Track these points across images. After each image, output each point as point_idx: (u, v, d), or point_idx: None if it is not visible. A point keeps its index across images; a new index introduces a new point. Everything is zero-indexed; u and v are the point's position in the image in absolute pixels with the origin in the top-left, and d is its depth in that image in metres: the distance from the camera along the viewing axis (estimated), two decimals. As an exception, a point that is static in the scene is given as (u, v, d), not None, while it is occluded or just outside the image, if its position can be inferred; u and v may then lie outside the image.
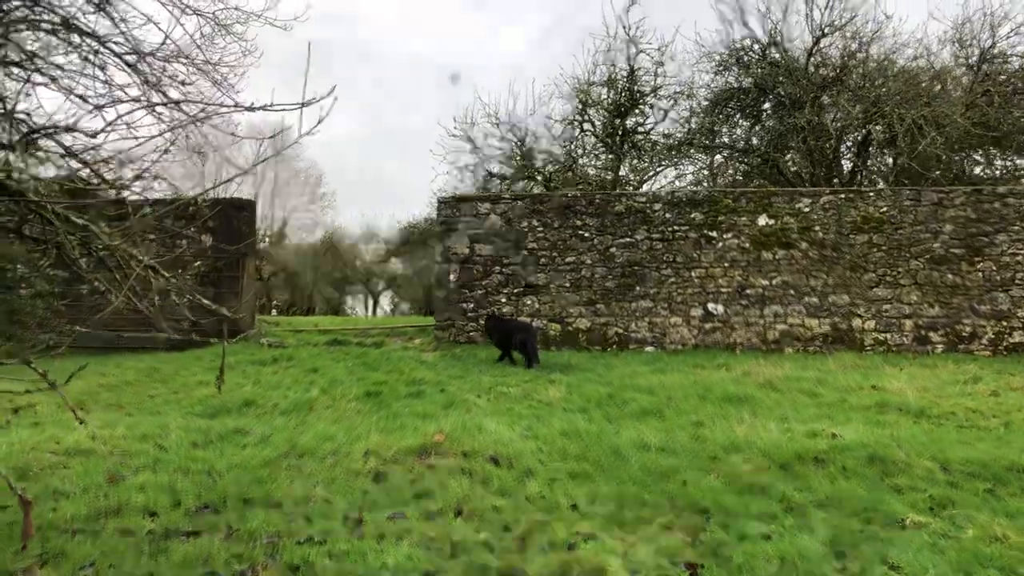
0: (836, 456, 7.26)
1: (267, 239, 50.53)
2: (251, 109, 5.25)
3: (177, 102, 7.74)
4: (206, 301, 4.89)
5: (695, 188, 18.97)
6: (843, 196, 14.81)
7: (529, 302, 15.35)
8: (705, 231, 15.02)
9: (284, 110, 5.53)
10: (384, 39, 75.47)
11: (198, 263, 16.81)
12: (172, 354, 15.08)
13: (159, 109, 7.95)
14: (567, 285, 15.27)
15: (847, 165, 21.30)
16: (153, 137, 5.80)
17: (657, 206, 15.24)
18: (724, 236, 14.96)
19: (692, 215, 15.08)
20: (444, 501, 6.38)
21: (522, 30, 67.20)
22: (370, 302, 44.67)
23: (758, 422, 9.02)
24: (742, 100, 20.11)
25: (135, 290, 5.07)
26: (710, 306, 14.87)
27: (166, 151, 5.51)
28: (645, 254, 15.12)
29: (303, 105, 5.12)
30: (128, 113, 6.96)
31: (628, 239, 15.19)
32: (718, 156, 22.81)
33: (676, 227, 15.09)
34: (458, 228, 15.75)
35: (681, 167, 22.77)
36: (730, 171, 22.37)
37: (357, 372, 12.58)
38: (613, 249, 15.22)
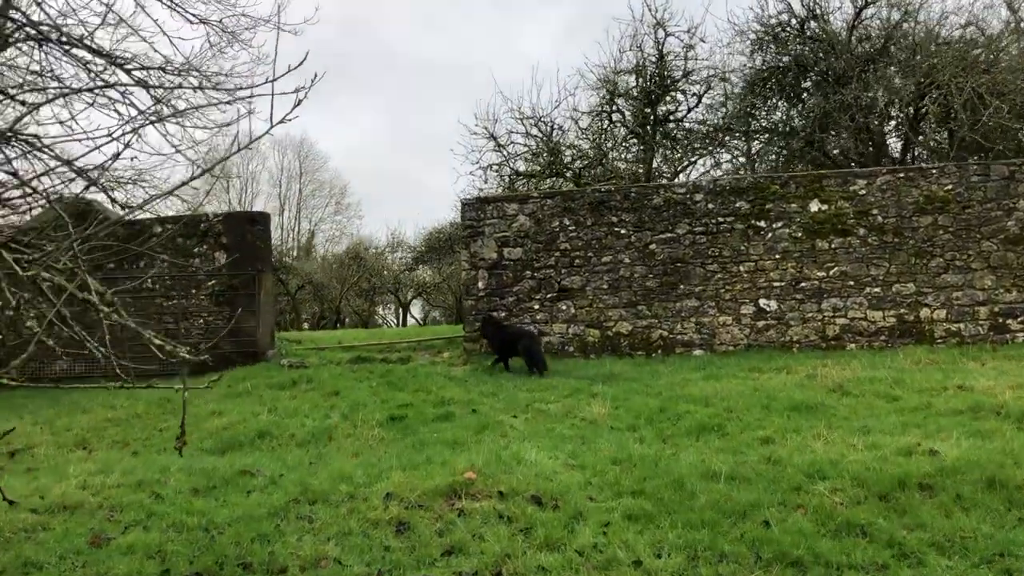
0: (945, 481, 6.07)
1: (294, 252, 50.04)
2: (211, 88, 4.24)
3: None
4: (158, 340, 3.86)
5: (739, 175, 17.73)
6: (902, 175, 13.53)
7: (564, 307, 14.25)
8: (752, 221, 13.81)
9: (250, 89, 4.48)
10: (404, 43, 74.88)
11: (212, 282, 16.00)
12: (187, 380, 14.18)
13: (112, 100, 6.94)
14: (605, 287, 14.15)
15: (894, 145, 19.96)
16: (108, 139, 4.77)
17: (698, 197, 14.05)
18: (773, 226, 13.74)
19: (737, 204, 13.87)
20: (479, 559, 5.31)
21: (545, 27, 66.07)
22: (400, 312, 43.84)
23: (837, 436, 7.86)
24: (781, 80, 18.79)
25: (64, 323, 4.07)
26: (762, 302, 13.66)
27: (117, 156, 4.49)
28: (688, 249, 13.94)
29: (272, 83, 4.11)
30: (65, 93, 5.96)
31: (669, 234, 14.03)
32: (755, 142, 21.58)
33: (720, 218, 13.89)
34: (484, 231, 14.69)
35: (717, 155, 21.54)
36: (771, 156, 21.04)
37: (381, 393, 11.57)
38: (653, 246, 14.07)
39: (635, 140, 20.21)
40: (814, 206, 13.65)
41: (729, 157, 21.90)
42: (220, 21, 21.59)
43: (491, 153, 19.79)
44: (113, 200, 21.45)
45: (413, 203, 67.51)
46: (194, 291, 15.89)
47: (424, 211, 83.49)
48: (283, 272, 40.89)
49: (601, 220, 14.26)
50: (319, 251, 49.72)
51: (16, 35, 21.81)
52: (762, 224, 13.77)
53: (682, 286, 13.91)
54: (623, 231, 14.17)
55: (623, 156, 20.91)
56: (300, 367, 14.31)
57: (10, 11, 21.72)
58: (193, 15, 21.41)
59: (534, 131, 19.52)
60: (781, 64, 18.71)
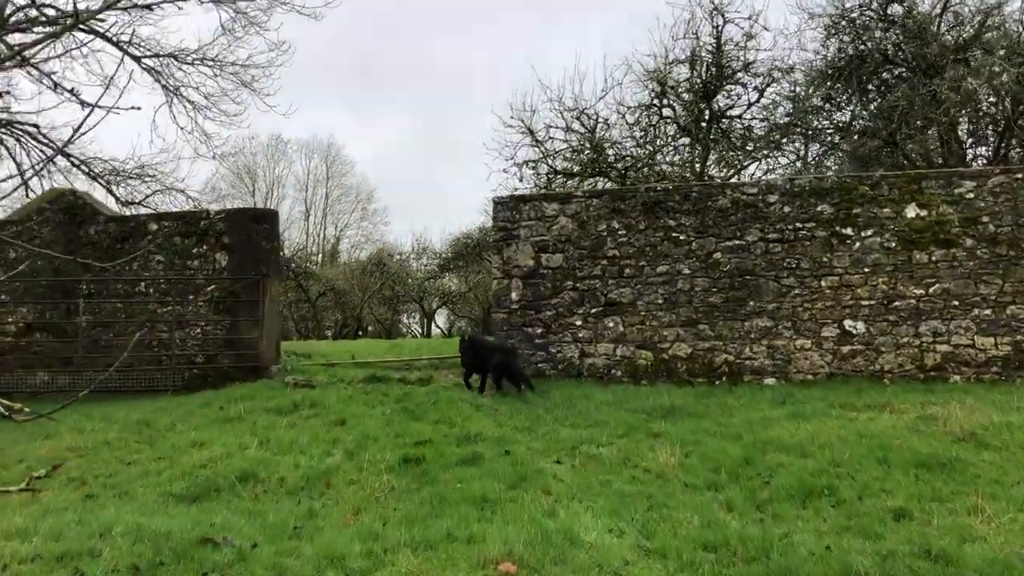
0: None
1: (319, 258, 48.52)
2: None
3: None
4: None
5: (820, 175, 15.63)
6: (1020, 176, 11.40)
7: (611, 324, 12.25)
8: (837, 228, 11.74)
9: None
10: (434, 47, 73.32)
11: (211, 287, 14.20)
12: (178, 398, 12.36)
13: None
14: (659, 301, 12.14)
15: (974, 147, 17.77)
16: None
17: (772, 198, 12.01)
18: (862, 233, 11.66)
19: (819, 208, 11.82)
20: None
21: (587, 33, 63.87)
22: (425, 321, 42.02)
23: (1001, 512, 5.81)
24: (858, 70, 16.62)
25: None
26: (847, 323, 11.57)
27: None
28: (759, 259, 11.90)
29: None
30: None
31: (737, 241, 12.00)
32: (815, 145, 19.50)
33: (799, 224, 11.84)
34: (519, 235, 12.76)
35: (773, 158, 19.39)
36: (833, 160, 18.88)
37: (395, 423, 9.66)
38: (717, 254, 12.05)
39: (686, 139, 18.18)
40: (911, 211, 11.56)
41: (786, 162, 19.77)
42: (234, 2, 19.95)
43: (527, 149, 17.85)
44: (112, 193, 19.78)
45: (440, 211, 65.72)
46: (192, 296, 14.09)
47: (452, 218, 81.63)
48: (304, 278, 39.38)
49: (656, 223, 12.27)
50: (344, 257, 48.21)
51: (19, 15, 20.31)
52: (848, 231, 11.70)
53: (752, 302, 11.87)
54: (682, 237, 12.17)
55: (671, 158, 18.84)
56: (305, 386, 12.44)
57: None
58: (204, -7, 19.79)
59: (576, 125, 17.56)
60: (859, 52, 16.55)
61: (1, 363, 13.42)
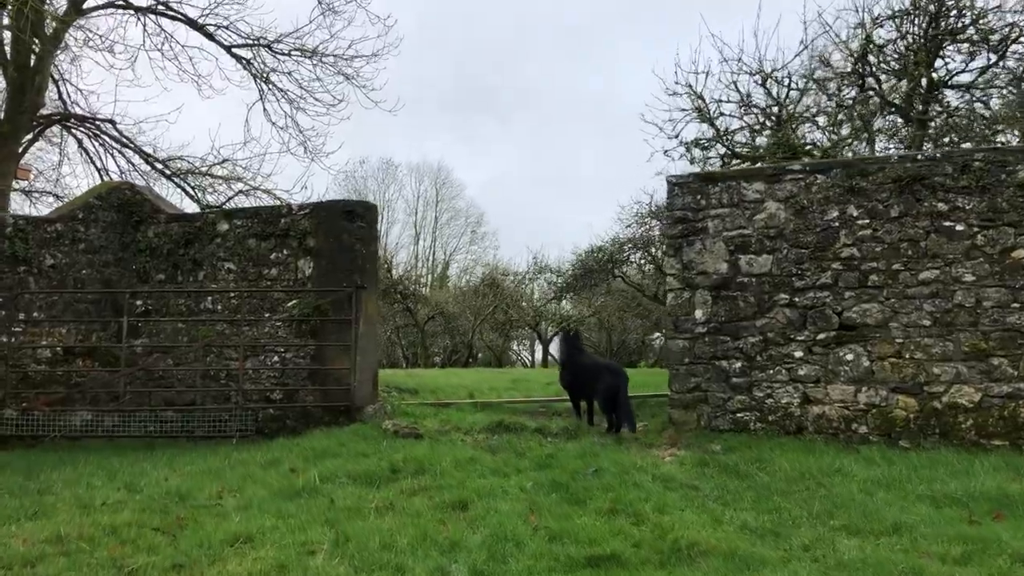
0: None
1: (428, 283, 46.25)
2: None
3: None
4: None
5: None
6: None
7: (850, 357, 8.35)
8: None
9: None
10: (551, 79, 71.00)
11: (292, 303, 11.08)
12: (242, 451, 9.18)
13: None
14: (925, 323, 8.18)
15: None
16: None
17: (1108, 166, 7.93)
18: None
19: None
20: None
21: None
22: (542, 349, 38.70)
23: None
24: None
25: None
26: None
27: None
28: (1090, 260, 7.82)
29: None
30: None
31: (1051, 232, 7.97)
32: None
33: None
34: (707, 228, 9.06)
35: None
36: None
37: (545, 511, 6.10)
38: (1018, 252, 8.02)
39: (896, 117, 14.04)
40: None
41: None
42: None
43: (694, 125, 14.07)
44: (189, 194, 17.18)
45: (549, 240, 63.08)
46: (268, 314, 10.99)
47: (565, 246, 78.93)
48: (412, 301, 36.99)
49: (917, 208, 8.33)
50: (453, 281, 45.88)
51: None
52: None
53: (1079, 325, 7.77)
54: (960, 227, 8.19)
55: (878, 146, 14.67)
56: (409, 436, 9.09)
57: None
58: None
59: (759, 94, 13.62)
60: None
61: (31, 399, 10.58)
